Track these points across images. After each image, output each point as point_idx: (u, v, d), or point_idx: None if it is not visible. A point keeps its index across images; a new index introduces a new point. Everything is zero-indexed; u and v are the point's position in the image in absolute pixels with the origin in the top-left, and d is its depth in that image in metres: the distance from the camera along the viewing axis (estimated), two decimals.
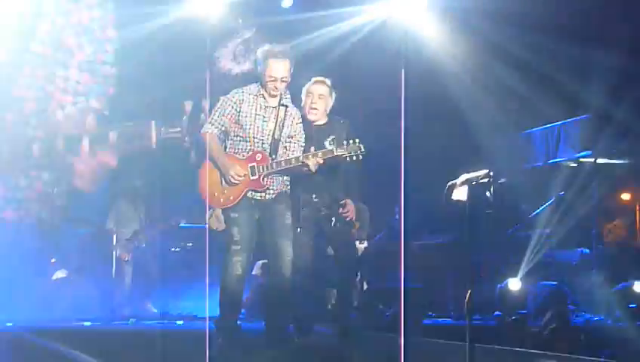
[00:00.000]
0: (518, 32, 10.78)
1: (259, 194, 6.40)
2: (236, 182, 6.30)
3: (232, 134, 6.45)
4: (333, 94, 6.92)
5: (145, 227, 10.94)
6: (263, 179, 6.33)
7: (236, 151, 6.43)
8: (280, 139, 6.46)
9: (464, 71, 11.56)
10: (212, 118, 6.48)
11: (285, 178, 6.53)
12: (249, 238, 6.41)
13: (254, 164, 6.33)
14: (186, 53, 10.69)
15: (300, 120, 6.64)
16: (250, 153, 6.37)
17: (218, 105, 6.52)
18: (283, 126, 6.46)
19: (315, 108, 6.79)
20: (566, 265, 10.86)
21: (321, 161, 6.28)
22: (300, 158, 6.32)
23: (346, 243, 6.99)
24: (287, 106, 6.54)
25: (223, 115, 6.44)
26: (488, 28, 10.74)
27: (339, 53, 11.16)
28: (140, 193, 11.10)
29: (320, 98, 6.82)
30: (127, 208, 11.03)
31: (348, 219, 6.76)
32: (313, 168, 6.26)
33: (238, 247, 6.34)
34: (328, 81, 6.92)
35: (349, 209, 6.75)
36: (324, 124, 6.87)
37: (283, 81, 6.41)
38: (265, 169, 6.32)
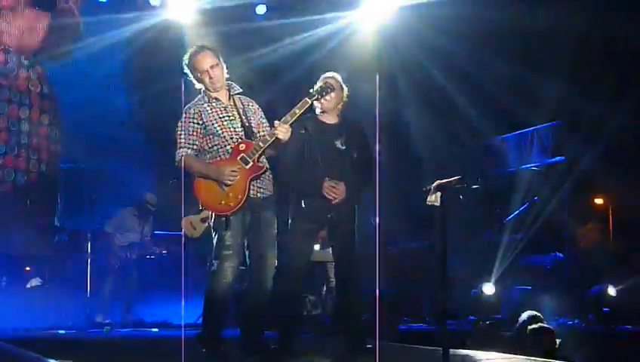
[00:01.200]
0: (492, 37, 10.87)
1: (251, 191, 6.21)
2: (234, 178, 6.12)
3: (207, 147, 6.31)
4: (345, 91, 6.68)
5: (145, 239, 10.97)
6: (258, 161, 6.17)
7: (218, 157, 6.26)
8: (252, 127, 6.34)
9: (437, 76, 11.64)
10: (180, 142, 6.30)
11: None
12: (241, 244, 6.28)
13: (242, 154, 6.17)
14: (162, 58, 10.73)
15: (257, 106, 6.55)
16: (232, 151, 6.23)
17: (179, 127, 6.33)
18: (247, 113, 6.38)
19: (326, 100, 6.50)
20: (540, 269, 10.91)
21: (288, 128, 6.09)
22: (275, 130, 6.11)
23: (347, 243, 6.70)
24: (240, 95, 6.45)
25: (189, 134, 6.29)
26: (460, 32, 10.82)
27: (313, 60, 11.19)
28: (147, 207, 11.01)
29: None
30: (131, 218, 11.00)
31: (331, 197, 6.38)
32: (284, 136, 6.10)
33: (230, 252, 6.18)
34: (338, 77, 6.67)
35: (339, 189, 6.42)
36: (335, 124, 6.66)
37: (214, 68, 6.29)
38: (254, 152, 6.15)
